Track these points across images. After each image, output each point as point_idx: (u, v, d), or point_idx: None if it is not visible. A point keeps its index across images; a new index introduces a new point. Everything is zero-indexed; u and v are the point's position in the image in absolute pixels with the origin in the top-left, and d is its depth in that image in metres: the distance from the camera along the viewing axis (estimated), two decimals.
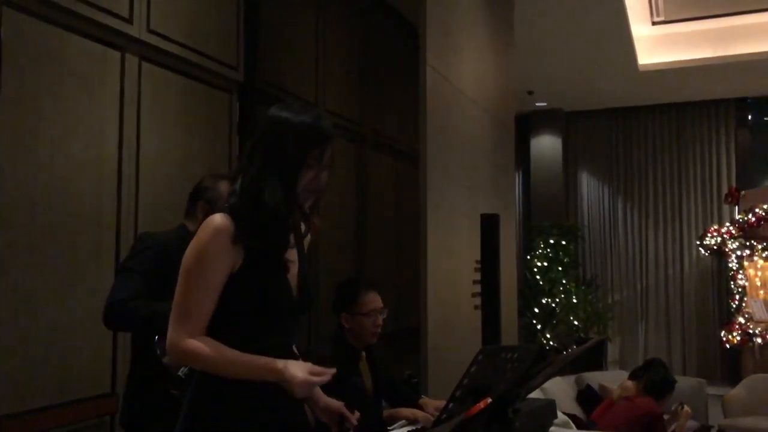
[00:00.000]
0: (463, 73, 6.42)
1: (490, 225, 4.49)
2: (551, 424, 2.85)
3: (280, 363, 1.57)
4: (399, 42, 5.41)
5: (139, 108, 2.98)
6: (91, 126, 2.74)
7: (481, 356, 1.74)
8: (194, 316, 1.57)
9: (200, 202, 2.36)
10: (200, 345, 1.56)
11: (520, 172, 10.57)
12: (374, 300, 2.86)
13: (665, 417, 4.01)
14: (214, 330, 1.61)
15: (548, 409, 2.77)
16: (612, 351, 9.88)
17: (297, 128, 1.64)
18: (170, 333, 1.58)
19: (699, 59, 8.01)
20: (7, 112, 2.38)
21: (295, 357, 1.70)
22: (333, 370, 1.62)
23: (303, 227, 1.77)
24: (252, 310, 1.63)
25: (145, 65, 3.04)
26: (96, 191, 2.74)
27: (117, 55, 2.90)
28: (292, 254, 1.72)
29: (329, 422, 1.83)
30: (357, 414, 1.77)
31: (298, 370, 1.56)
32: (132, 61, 2.97)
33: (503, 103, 7.69)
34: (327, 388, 1.72)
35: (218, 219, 1.59)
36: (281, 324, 1.68)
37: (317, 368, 1.59)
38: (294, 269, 1.71)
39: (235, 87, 3.59)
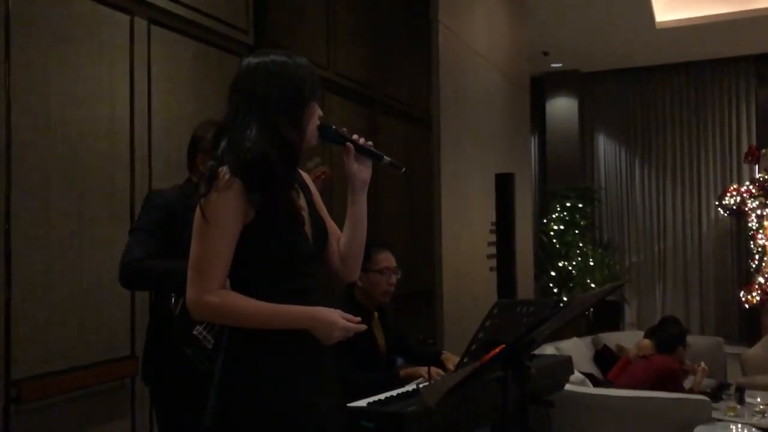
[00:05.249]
0: (476, 31, 6.33)
1: (504, 184, 4.46)
2: (567, 380, 2.87)
3: (313, 308, 1.56)
4: (412, 4, 5.32)
5: (150, 72, 2.96)
6: (102, 92, 2.73)
7: (496, 310, 1.74)
8: (213, 269, 1.51)
9: (199, 155, 2.38)
10: (226, 296, 1.51)
11: (536, 136, 10.46)
12: (388, 259, 2.92)
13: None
14: (236, 285, 1.58)
15: (565, 365, 2.78)
16: (629, 313, 9.87)
17: (299, 71, 1.64)
18: (190, 290, 1.51)
19: (718, 15, 7.83)
20: (18, 80, 2.38)
21: (322, 299, 1.67)
22: (360, 321, 1.62)
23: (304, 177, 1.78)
24: (271, 260, 1.58)
25: (155, 28, 3.02)
26: (109, 156, 2.74)
27: (126, 18, 2.87)
28: (302, 201, 1.70)
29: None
30: (359, 320, 1.71)
31: (334, 315, 1.57)
32: (141, 24, 2.94)
33: (518, 63, 7.58)
34: (337, 345, 1.69)
35: (227, 173, 1.55)
36: (301, 270, 1.64)
37: (348, 316, 1.60)
38: (306, 216, 1.69)
39: (245, 50, 3.56)
